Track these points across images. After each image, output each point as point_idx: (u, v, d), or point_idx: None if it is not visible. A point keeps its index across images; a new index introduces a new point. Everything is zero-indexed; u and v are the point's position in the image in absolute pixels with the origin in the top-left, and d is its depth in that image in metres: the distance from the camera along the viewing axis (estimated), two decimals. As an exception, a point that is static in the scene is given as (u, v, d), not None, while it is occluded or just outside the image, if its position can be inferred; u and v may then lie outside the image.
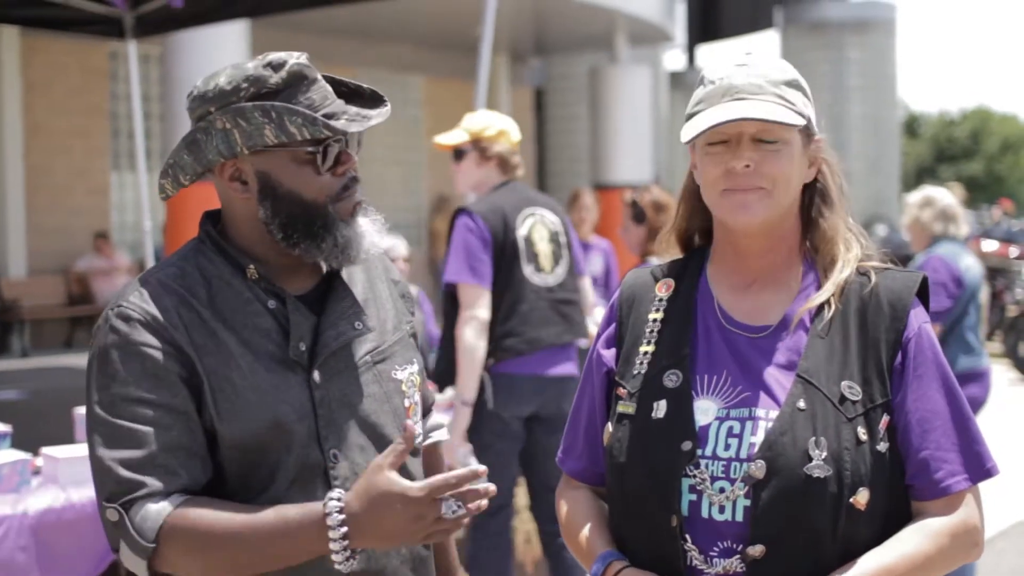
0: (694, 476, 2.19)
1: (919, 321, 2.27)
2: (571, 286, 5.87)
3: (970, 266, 6.42)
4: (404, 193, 22.05)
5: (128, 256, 17.39)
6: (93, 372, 2.27)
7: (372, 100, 2.40)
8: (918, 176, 52.42)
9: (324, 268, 2.40)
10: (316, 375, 2.30)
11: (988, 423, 7.50)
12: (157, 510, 2.14)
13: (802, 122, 2.25)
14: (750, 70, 2.27)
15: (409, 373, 2.45)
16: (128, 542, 2.17)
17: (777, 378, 2.23)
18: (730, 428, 2.21)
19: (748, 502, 2.15)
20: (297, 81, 2.28)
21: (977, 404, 6.37)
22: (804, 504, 2.12)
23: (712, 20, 32.64)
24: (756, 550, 2.13)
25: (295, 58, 2.31)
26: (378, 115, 2.33)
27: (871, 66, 25.11)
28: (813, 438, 2.14)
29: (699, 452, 2.21)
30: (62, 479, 4.27)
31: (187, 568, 2.19)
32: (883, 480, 2.17)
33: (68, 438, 4.77)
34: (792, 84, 2.28)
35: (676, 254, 2.48)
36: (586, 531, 2.37)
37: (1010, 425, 11.20)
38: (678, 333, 2.34)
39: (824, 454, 2.13)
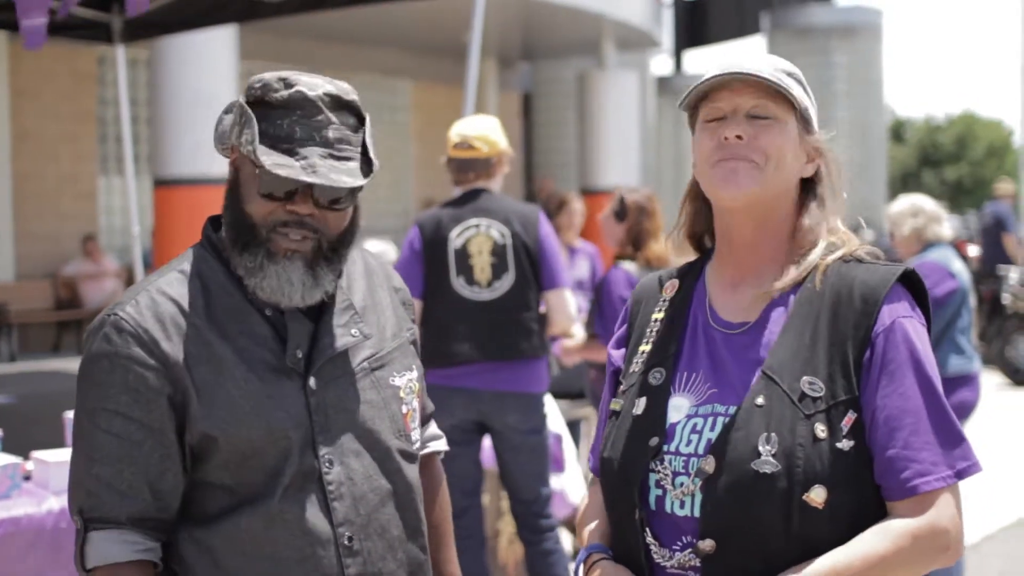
0: (659, 471, 2.22)
1: (894, 315, 2.20)
2: (518, 301, 5.74)
3: (960, 269, 6.44)
4: (392, 197, 22.05)
5: (116, 261, 17.37)
6: (82, 376, 2.32)
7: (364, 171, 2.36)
8: (903, 181, 52.51)
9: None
10: (312, 381, 2.31)
11: (975, 427, 7.53)
12: (100, 550, 2.25)
13: (799, 102, 2.28)
14: (753, 55, 2.32)
15: (408, 380, 2.46)
16: (76, 554, 2.28)
17: (743, 375, 2.23)
18: (695, 425, 2.22)
19: (701, 491, 2.16)
20: (294, 107, 2.29)
21: (968, 408, 6.39)
22: (750, 499, 2.11)
23: (699, 25, 32.74)
24: (706, 544, 2.13)
25: (312, 88, 2.31)
26: (332, 180, 2.25)
27: (857, 71, 25.17)
28: (765, 433, 2.13)
29: (664, 448, 2.22)
30: (53, 483, 4.27)
31: None
32: (846, 479, 2.12)
33: (58, 442, 4.76)
34: (792, 75, 2.31)
35: (691, 255, 2.51)
36: (591, 526, 2.39)
37: (996, 429, 11.23)
38: (669, 331, 2.37)
39: (774, 450, 2.11)
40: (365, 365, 2.39)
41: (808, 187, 2.35)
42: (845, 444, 2.13)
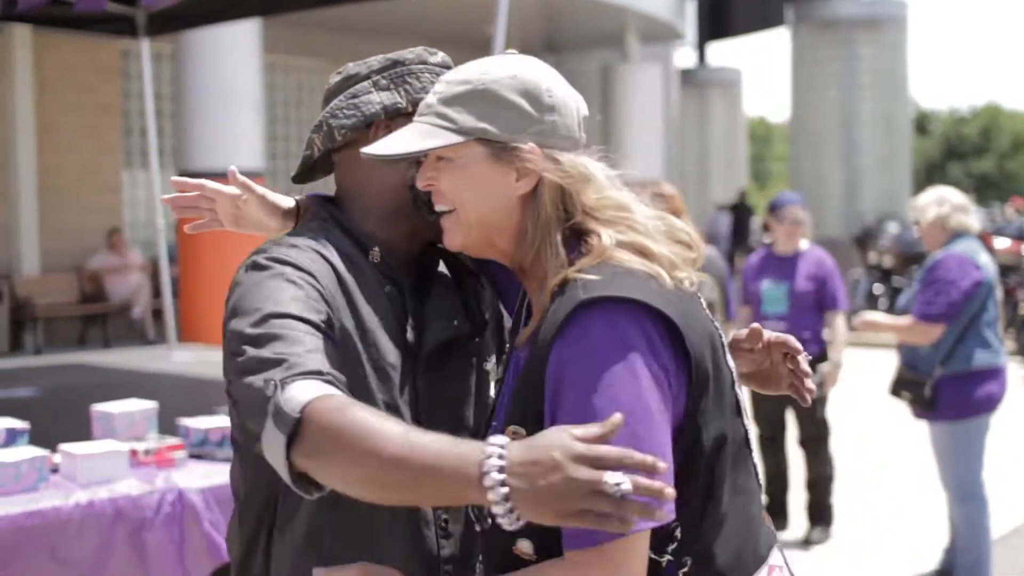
0: None
1: (561, 352, 1.93)
2: None
3: (987, 262, 6.41)
4: (415, 191, 22.04)
5: (141, 254, 17.42)
6: (237, 304, 2.17)
7: None
8: (928, 174, 52.32)
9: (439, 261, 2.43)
10: (421, 361, 2.31)
11: (1003, 420, 7.50)
12: (309, 385, 1.92)
13: (440, 143, 2.08)
14: (437, 87, 2.16)
15: (494, 364, 2.45)
16: (274, 415, 1.91)
17: (498, 416, 2.13)
18: None
19: None
20: (433, 73, 2.38)
21: (994, 401, 6.36)
22: (488, 552, 2.10)
23: (723, 18, 32.66)
24: None
25: (441, 57, 2.42)
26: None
27: (882, 63, 25.07)
28: None
29: None
30: (80, 476, 4.28)
31: (320, 465, 1.89)
32: (547, 530, 1.85)
33: (84, 435, 4.78)
34: (466, 97, 2.10)
35: None
36: None
37: (1022, 422, 11.17)
38: (516, 326, 2.28)
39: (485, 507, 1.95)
40: (465, 349, 2.40)
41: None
42: None
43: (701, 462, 1.97)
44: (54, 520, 4.11)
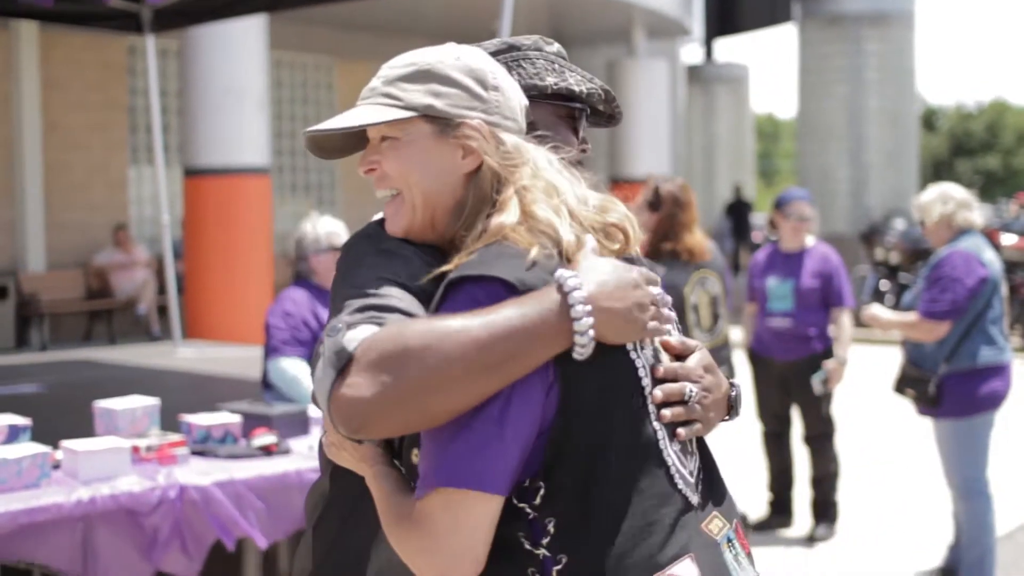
0: None
1: None
2: None
3: (992, 259, 6.40)
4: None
5: (147, 250, 17.44)
6: (346, 268, 2.13)
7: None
8: (935, 170, 52.26)
9: None
10: None
11: (1007, 417, 7.49)
12: (372, 326, 1.92)
13: (387, 117, 2.08)
14: (380, 71, 2.17)
15: None
16: (328, 354, 1.91)
17: None
18: None
19: None
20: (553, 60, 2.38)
21: (999, 398, 6.36)
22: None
23: (729, 13, 32.63)
24: None
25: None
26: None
27: (889, 59, 25.02)
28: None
29: None
30: (82, 473, 4.29)
31: (370, 387, 1.86)
32: None
33: (87, 431, 4.78)
34: (412, 77, 2.12)
35: None
36: None
37: (1029, 419, 11.15)
38: None
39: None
40: None
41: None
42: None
43: (575, 460, 1.94)
44: (56, 517, 4.11)
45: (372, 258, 2.09)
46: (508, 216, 2.01)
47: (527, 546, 1.94)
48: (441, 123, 2.09)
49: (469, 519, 1.88)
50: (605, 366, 1.96)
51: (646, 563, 1.96)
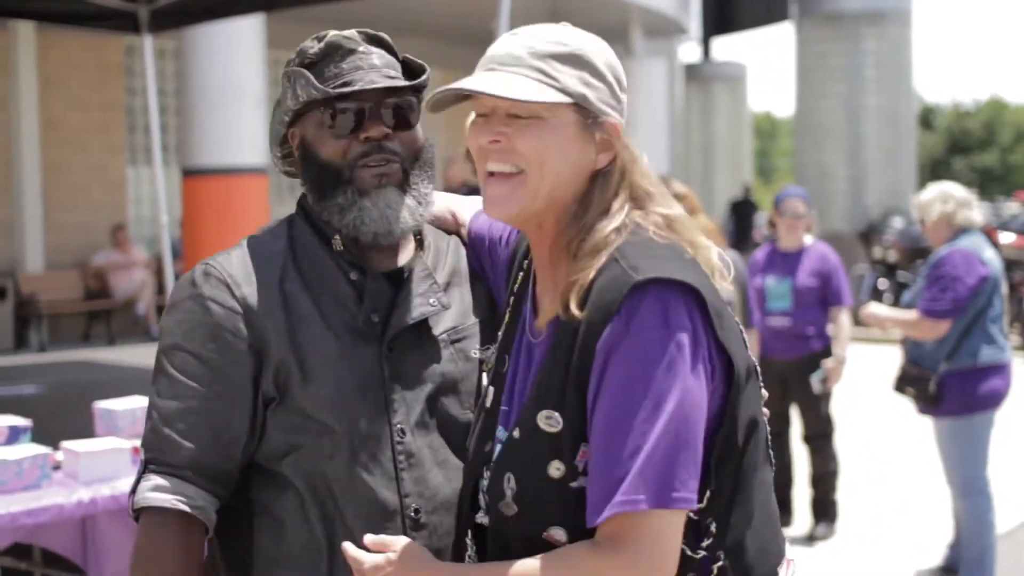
0: (484, 479, 2.14)
1: (616, 331, 1.92)
2: None
3: (992, 258, 6.39)
4: (419, 187, 22.04)
5: (145, 250, 17.43)
6: (165, 316, 2.34)
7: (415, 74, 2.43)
8: (933, 169, 52.25)
9: (411, 248, 2.41)
10: (388, 348, 2.29)
11: (1007, 416, 7.49)
12: (150, 492, 2.24)
13: (560, 97, 2.01)
14: (517, 39, 2.09)
15: (491, 354, 2.35)
16: (131, 489, 2.29)
17: (519, 398, 2.11)
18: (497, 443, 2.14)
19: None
20: (333, 51, 2.35)
21: (999, 396, 6.35)
22: (505, 541, 2.05)
23: (727, 12, 32.63)
24: None
25: (341, 33, 2.39)
26: (390, 83, 2.33)
27: (887, 58, 24.99)
28: (508, 473, 2.02)
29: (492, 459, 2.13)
30: (82, 473, 4.28)
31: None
32: (580, 517, 1.92)
33: (87, 432, 4.78)
34: (565, 58, 2.05)
35: None
36: None
37: (1028, 417, 11.15)
38: (515, 313, 2.23)
39: (514, 491, 2.00)
40: (444, 336, 2.36)
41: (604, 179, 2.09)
42: (581, 482, 1.95)
43: (736, 454, 1.98)
44: (56, 518, 4.11)
45: (188, 351, 2.27)
46: (651, 216, 2.05)
47: (688, 552, 1.96)
48: (587, 115, 2.05)
49: (673, 534, 1.89)
50: (748, 357, 2.05)
51: (777, 551, 2.06)
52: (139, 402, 4.88)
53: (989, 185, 52.88)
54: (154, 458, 2.26)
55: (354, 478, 2.24)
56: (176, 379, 2.27)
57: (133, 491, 2.27)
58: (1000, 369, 6.34)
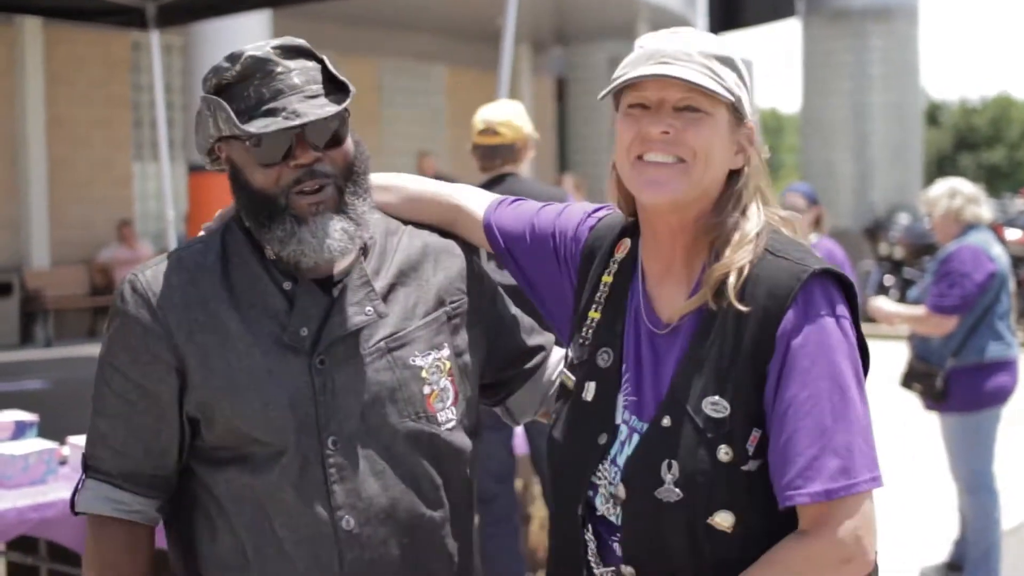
0: (599, 473, 2.19)
1: (798, 318, 2.06)
2: None
3: (1000, 254, 6.39)
4: (425, 183, 22.03)
5: (151, 246, 17.44)
6: (106, 328, 2.40)
7: (342, 90, 2.34)
8: (939, 165, 52.16)
9: (353, 253, 2.35)
10: (319, 360, 2.27)
11: (1013, 411, 7.48)
12: (88, 500, 2.34)
13: (728, 96, 2.14)
14: (681, 38, 2.19)
15: (434, 359, 2.38)
16: (72, 494, 2.39)
17: (655, 389, 2.16)
18: (623, 434, 2.18)
19: (621, 513, 2.14)
20: (251, 73, 2.28)
21: (1006, 393, 6.35)
22: (659, 529, 2.08)
23: (733, 8, 32.55)
24: (627, 570, 2.13)
25: (259, 49, 2.30)
26: (316, 113, 2.25)
27: (893, 54, 24.98)
28: (667, 460, 2.07)
29: (609, 450, 2.19)
30: (88, 468, 4.28)
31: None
32: (753, 501, 2.06)
33: (94, 427, 4.78)
34: (725, 60, 2.17)
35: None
36: None
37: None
38: (616, 307, 2.28)
39: (676, 477, 2.06)
40: (382, 345, 2.33)
41: (733, 178, 2.22)
42: (751, 465, 2.06)
43: None
44: (62, 513, 4.11)
45: (115, 367, 2.33)
46: (773, 215, 2.22)
47: None
48: (737, 117, 2.19)
49: (873, 513, 2.05)
50: None
51: None
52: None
53: (996, 182, 52.76)
54: (91, 465, 2.35)
55: (283, 491, 2.23)
56: (106, 393, 2.34)
57: (75, 490, 2.37)
58: (1007, 366, 6.33)
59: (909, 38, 25.23)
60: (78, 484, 2.37)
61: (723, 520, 2.04)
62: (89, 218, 17.36)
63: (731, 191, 2.19)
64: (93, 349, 10.01)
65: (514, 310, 2.65)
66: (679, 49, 2.15)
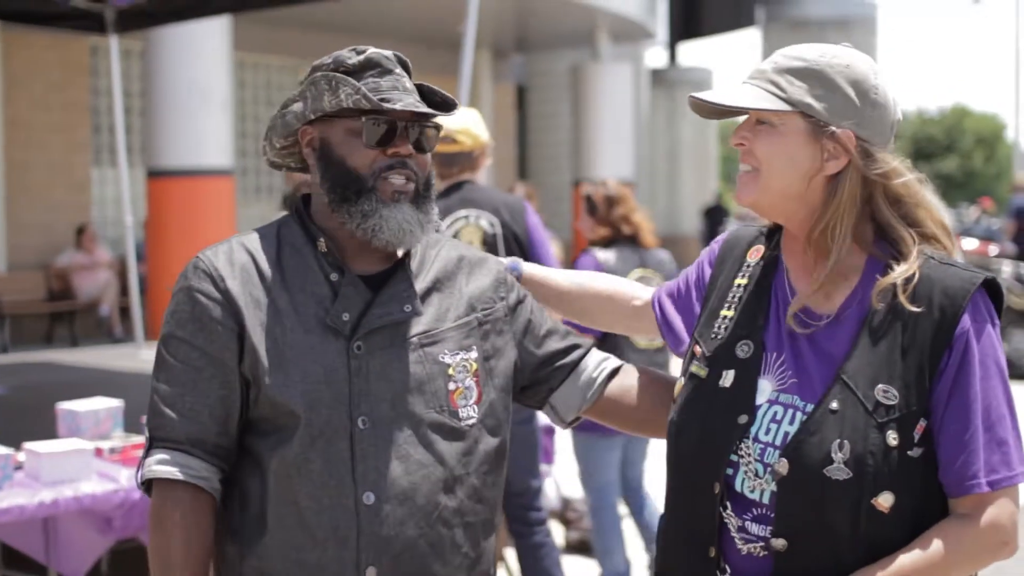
0: (740, 452, 2.29)
1: (972, 320, 2.24)
2: None
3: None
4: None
5: (109, 251, 17.35)
6: (168, 308, 2.55)
7: (447, 108, 2.58)
8: (898, 174, 52.39)
9: (399, 254, 2.55)
10: (357, 345, 2.44)
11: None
12: (156, 466, 2.43)
13: (765, 106, 2.29)
14: (776, 55, 2.37)
15: (462, 359, 2.54)
16: (137, 468, 2.50)
17: (822, 373, 2.28)
18: (775, 413, 2.29)
19: (775, 488, 2.24)
20: (371, 67, 2.52)
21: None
22: (822, 505, 2.20)
23: (694, 17, 32.70)
24: (779, 543, 2.23)
25: (381, 51, 2.56)
26: (435, 112, 2.51)
27: (852, 64, 25.14)
28: (838, 440, 2.20)
29: (750, 429, 2.29)
30: (44, 474, 4.26)
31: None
32: (912, 484, 2.21)
33: (50, 433, 4.75)
34: (799, 72, 2.30)
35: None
36: None
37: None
38: (756, 303, 2.42)
39: (846, 457, 2.18)
40: (415, 340, 2.49)
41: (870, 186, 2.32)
42: (916, 451, 2.21)
43: None
44: (17, 519, 4.09)
45: (180, 338, 2.48)
46: (930, 224, 2.34)
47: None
48: (815, 124, 2.29)
49: (1018, 502, 2.24)
50: None
51: None
52: (102, 404, 4.86)
53: (951, 191, 53.14)
54: (157, 435, 2.46)
55: (310, 462, 2.39)
56: (171, 364, 2.47)
57: (140, 465, 2.47)
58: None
59: (868, 47, 25.39)
60: (139, 464, 2.47)
61: (884, 501, 2.19)
62: (47, 223, 17.25)
63: (829, 194, 2.30)
64: (50, 355, 9.95)
65: (548, 317, 2.79)
66: (759, 67, 2.36)
